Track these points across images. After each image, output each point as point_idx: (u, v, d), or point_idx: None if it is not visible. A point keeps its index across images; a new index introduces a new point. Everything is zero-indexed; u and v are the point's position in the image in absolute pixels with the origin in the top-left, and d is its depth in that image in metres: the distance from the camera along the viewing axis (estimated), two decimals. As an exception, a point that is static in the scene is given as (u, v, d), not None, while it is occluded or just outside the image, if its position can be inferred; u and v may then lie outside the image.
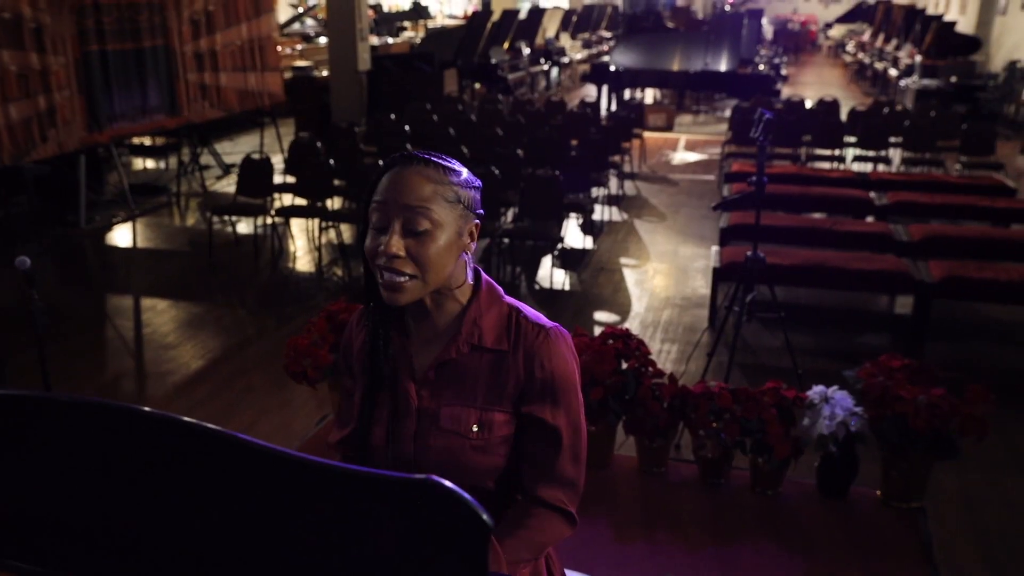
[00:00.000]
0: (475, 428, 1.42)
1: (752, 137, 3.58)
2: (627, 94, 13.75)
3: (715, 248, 5.88)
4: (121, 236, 7.77)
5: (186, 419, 0.86)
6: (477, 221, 1.42)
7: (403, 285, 1.34)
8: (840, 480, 3.16)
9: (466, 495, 0.79)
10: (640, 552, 2.94)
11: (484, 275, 1.49)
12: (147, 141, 10.56)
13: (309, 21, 20.42)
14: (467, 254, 1.42)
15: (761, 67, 14.80)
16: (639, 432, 3.26)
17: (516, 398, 1.44)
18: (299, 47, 16.19)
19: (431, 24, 21.06)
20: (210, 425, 0.85)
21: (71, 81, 7.70)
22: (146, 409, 0.88)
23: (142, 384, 4.85)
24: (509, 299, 1.50)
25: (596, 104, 10.89)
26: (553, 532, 1.48)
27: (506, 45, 15.74)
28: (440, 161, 1.38)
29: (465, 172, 1.41)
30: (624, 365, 3.26)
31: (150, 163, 10.71)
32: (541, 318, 1.47)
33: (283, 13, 25.66)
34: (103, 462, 0.90)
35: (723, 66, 12.39)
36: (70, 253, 7.39)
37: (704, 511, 3.18)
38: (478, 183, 1.43)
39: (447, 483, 0.79)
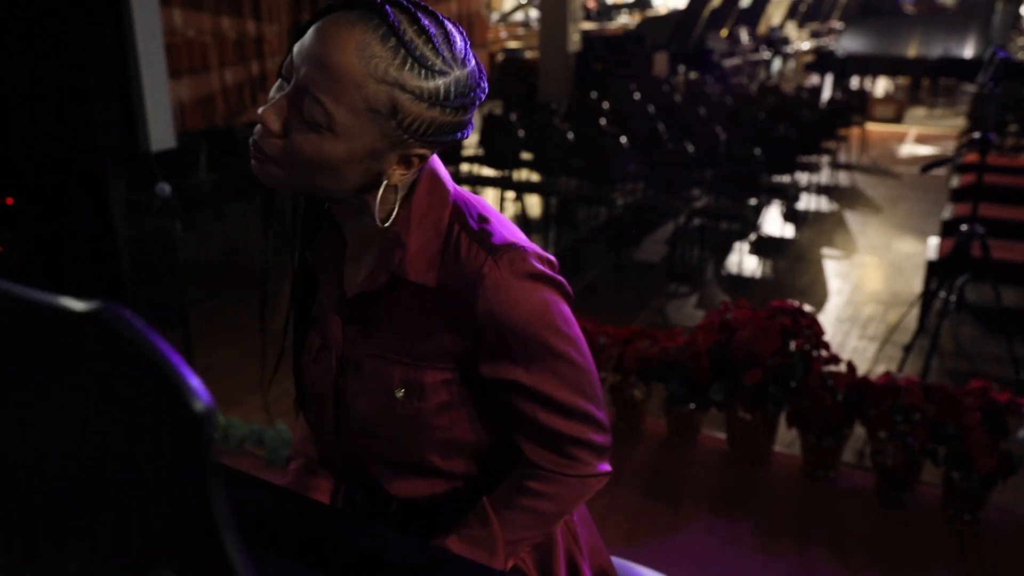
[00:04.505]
0: (400, 392, 1.00)
1: (980, 83, 2.94)
2: (854, 84, 12.65)
3: (933, 239, 5.11)
4: (317, 199, 7.98)
5: None
6: (422, 151, 0.93)
7: (261, 165, 0.93)
8: (1062, 512, 2.50)
9: (162, 352, 0.41)
10: (787, 569, 2.45)
11: (433, 163, 1.00)
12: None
13: (532, 12, 20.57)
14: (391, 182, 0.95)
15: (1020, 55, 13.17)
16: (805, 427, 2.75)
17: (461, 353, 0.99)
18: (519, 32, 16.28)
19: (651, 15, 20.61)
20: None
21: (283, 48, 7.99)
22: None
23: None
24: (460, 198, 1.01)
25: (816, 90, 10.02)
26: (567, 498, 1.06)
27: (724, 32, 14.99)
28: (413, 36, 0.86)
29: (452, 73, 0.89)
30: (792, 346, 2.76)
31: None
32: (497, 232, 0.97)
33: (508, 2, 26.20)
34: None
35: (967, 52, 11.08)
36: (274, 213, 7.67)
37: (877, 531, 2.63)
38: (461, 99, 0.90)
39: (131, 321, 0.42)
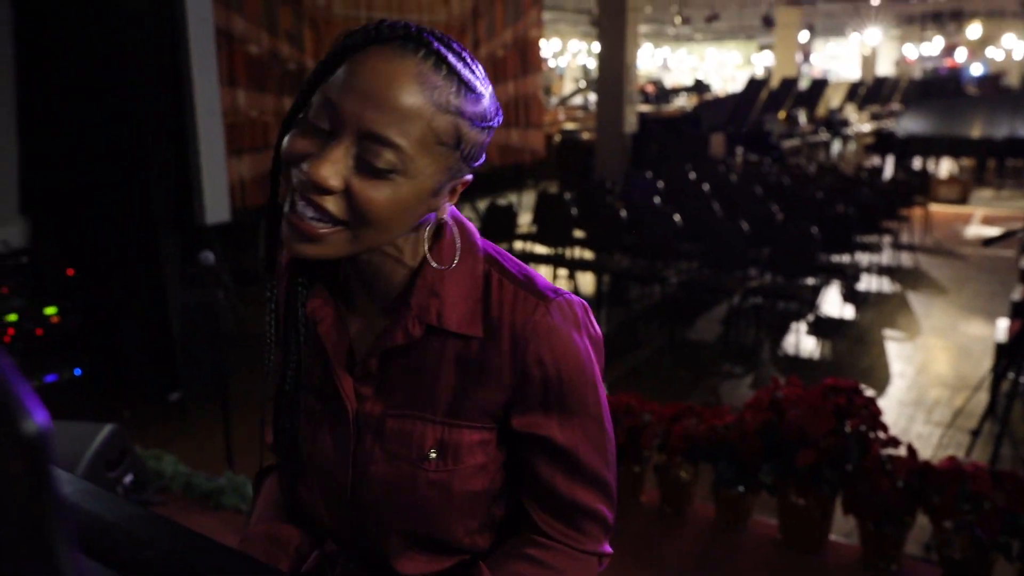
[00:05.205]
0: (433, 453, 0.92)
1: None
2: (916, 165, 12.47)
3: (1003, 321, 4.89)
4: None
5: None
6: (469, 177, 0.89)
7: (320, 234, 0.82)
8: None
9: None
10: (845, 666, 2.27)
11: (453, 214, 0.93)
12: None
13: (591, 96, 20.94)
14: (435, 215, 0.89)
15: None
16: (862, 513, 2.58)
17: (501, 408, 0.92)
18: (578, 115, 16.52)
19: (708, 98, 20.78)
20: None
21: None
22: None
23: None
24: (490, 248, 0.95)
25: (876, 170, 9.89)
26: (569, 573, 0.97)
27: (783, 114, 14.99)
28: (456, 61, 0.82)
29: (488, 93, 0.85)
30: (847, 427, 2.61)
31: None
32: (537, 281, 0.92)
33: (568, 86, 26.70)
34: None
35: (1035, 132, 10.85)
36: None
37: (945, 629, 2.43)
38: (496, 118, 0.86)
39: None
